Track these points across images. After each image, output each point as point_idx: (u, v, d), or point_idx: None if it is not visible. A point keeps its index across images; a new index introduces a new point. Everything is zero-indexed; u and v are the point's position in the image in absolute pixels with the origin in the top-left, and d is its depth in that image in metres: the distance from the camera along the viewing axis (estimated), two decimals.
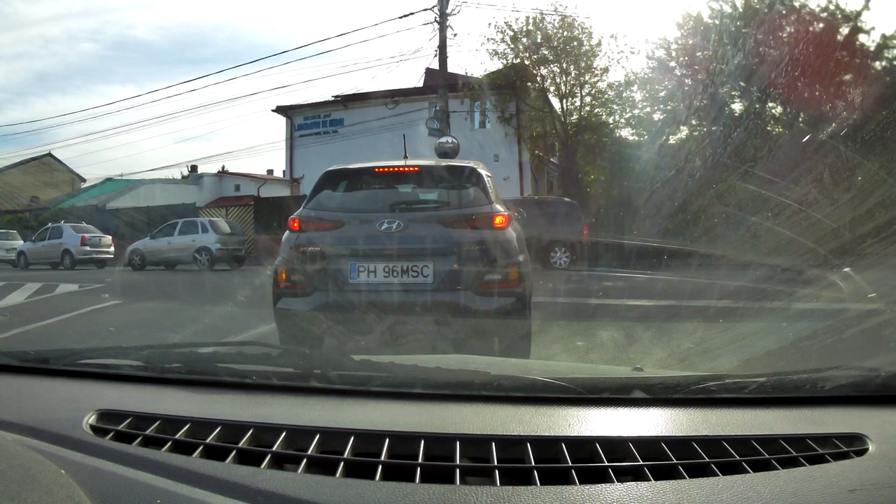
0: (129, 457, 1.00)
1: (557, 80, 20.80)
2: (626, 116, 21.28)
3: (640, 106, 20.88)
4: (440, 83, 18.25)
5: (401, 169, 4.76)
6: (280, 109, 24.47)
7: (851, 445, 1.06)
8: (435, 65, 18.20)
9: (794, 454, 1.03)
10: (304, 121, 24.38)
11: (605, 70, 20.62)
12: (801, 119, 16.69)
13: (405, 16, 20.18)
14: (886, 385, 1.33)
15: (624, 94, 20.72)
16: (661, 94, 19.82)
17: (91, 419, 1.14)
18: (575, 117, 21.00)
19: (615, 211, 18.56)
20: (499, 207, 4.42)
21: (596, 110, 21.29)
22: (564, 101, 20.96)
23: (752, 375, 1.38)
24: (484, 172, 4.66)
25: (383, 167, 4.86)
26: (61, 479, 0.91)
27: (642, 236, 14.09)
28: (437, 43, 17.68)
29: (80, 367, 1.50)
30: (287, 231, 4.49)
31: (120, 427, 1.11)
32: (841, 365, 1.45)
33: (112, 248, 19.60)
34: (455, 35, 18.97)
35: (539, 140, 22.50)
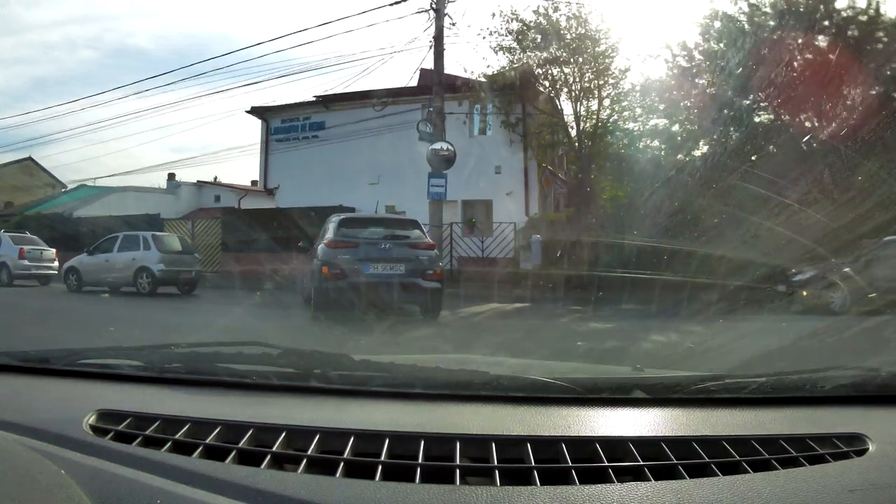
0: (129, 457, 1.00)
1: (570, 81, 17.44)
2: (649, 126, 17.93)
3: (662, 115, 17.60)
4: (435, 79, 15.64)
5: (386, 218, 10.36)
6: (255, 111, 21.74)
7: (851, 445, 1.06)
8: (430, 64, 15.73)
9: (794, 454, 1.03)
10: (280, 124, 21.76)
11: (626, 71, 17.49)
12: (843, 135, 13.95)
13: (397, 2, 17.49)
14: (886, 385, 1.34)
15: (645, 101, 17.56)
16: (686, 102, 16.72)
17: (91, 419, 1.13)
18: (589, 124, 17.70)
19: (632, 227, 14.67)
20: (430, 240, 9.30)
21: (613, 117, 17.98)
22: (578, 104, 17.56)
23: (752, 375, 1.38)
24: (421, 223, 9.59)
25: (374, 217, 10.05)
26: (61, 479, 0.91)
27: (673, 272, 10.94)
28: (432, 33, 15.21)
29: (80, 367, 1.50)
30: (325, 247, 8.46)
31: (120, 427, 1.11)
32: (841, 365, 1.45)
33: (56, 263, 16.79)
34: (454, 24, 15.73)
35: (548, 149, 18.92)
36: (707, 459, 1.00)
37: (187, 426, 1.10)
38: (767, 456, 1.01)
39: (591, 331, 7.84)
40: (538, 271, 14.42)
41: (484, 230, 18.19)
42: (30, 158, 33.65)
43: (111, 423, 1.13)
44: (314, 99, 20.58)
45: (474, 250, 17.42)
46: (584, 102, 17.59)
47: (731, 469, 0.98)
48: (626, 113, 18.00)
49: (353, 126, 18.84)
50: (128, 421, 1.13)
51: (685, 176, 14.85)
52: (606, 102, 17.71)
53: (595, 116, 17.63)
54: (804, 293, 9.90)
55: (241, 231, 18.54)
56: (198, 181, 31.72)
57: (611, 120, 17.88)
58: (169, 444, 1.05)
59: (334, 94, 19.43)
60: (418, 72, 17.43)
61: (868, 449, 1.05)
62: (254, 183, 32.04)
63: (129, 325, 8.19)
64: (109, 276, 14.48)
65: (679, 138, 16.98)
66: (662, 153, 17.36)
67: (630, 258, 12.51)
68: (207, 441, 1.05)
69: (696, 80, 16.55)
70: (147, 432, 1.08)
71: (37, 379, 1.48)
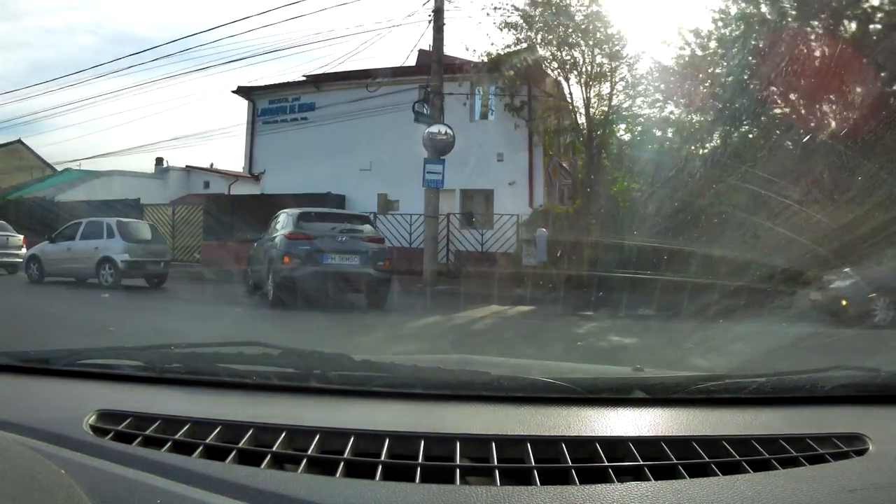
0: (130, 457, 1.00)
1: (579, 63, 15.67)
2: (663, 114, 16.14)
3: (677, 103, 15.94)
4: (434, 56, 14.01)
5: (341, 213, 11.45)
6: (241, 91, 20.01)
7: (851, 445, 1.07)
8: (429, 41, 14.28)
9: (794, 454, 1.03)
10: (268, 105, 20.04)
11: (639, 55, 15.73)
12: (871, 131, 12.73)
13: None
14: (886, 385, 1.34)
15: (659, 88, 15.93)
16: (702, 90, 15.02)
17: (91, 419, 1.13)
18: (599, 109, 15.95)
19: (646, 223, 13.62)
20: (379, 235, 10.49)
21: (626, 103, 16.25)
22: (588, 88, 15.72)
23: (752, 375, 1.38)
24: (371, 218, 12.37)
25: (330, 212, 11.25)
26: (61, 479, 0.91)
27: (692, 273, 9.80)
28: (432, 6, 13.95)
29: (80, 367, 1.50)
30: (285, 238, 9.34)
31: (120, 427, 1.11)
32: (841, 365, 1.45)
33: (23, 251, 15.56)
34: None
35: (555, 136, 17.29)
36: (707, 459, 1.00)
37: (187, 426, 1.10)
38: (767, 456, 1.01)
39: (614, 346, 6.80)
40: (543, 269, 13.27)
41: (484, 223, 16.96)
42: (19, 141, 32.38)
43: (111, 423, 1.13)
44: (304, 79, 19.05)
45: (473, 244, 16.35)
46: (596, 86, 15.84)
47: (731, 469, 0.98)
48: (639, 99, 16.39)
49: (346, 108, 17.29)
50: (128, 421, 1.13)
51: (702, 169, 13.53)
52: (620, 86, 16.05)
53: (607, 101, 15.88)
54: (843, 302, 8.69)
55: (224, 218, 17.36)
56: (187, 166, 30.38)
57: (623, 106, 16.29)
58: (169, 444, 1.05)
59: (325, 74, 18.01)
60: (416, 53, 16.18)
61: (868, 449, 1.05)
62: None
63: (52, 324, 7.52)
64: (71, 267, 13.24)
65: (693, 128, 15.36)
66: (676, 144, 15.55)
67: (644, 256, 11.62)
68: (207, 441, 1.05)
69: (712, 70, 15.10)
70: (147, 432, 1.08)
71: (37, 379, 1.48)
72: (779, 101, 14.41)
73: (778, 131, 14.23)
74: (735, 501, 0.88)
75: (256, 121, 20.13)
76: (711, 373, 1.43)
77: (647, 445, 1.04)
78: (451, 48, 17.85)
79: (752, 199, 11.72)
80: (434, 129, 13.25)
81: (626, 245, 12.44)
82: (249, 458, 1.00)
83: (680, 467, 0.97)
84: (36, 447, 1.02)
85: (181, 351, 1.67)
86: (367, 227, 10.19)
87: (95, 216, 14.28)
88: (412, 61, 16.60)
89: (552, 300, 11.09)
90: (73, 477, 0.91)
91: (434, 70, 14.01)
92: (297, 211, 9.94)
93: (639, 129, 16.34)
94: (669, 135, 16.30)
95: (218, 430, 1.08)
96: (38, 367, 1.51)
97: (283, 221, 9.97)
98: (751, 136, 14.55)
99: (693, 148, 15.09)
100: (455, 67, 15.50)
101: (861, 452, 1.04)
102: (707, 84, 15.07)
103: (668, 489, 0.92)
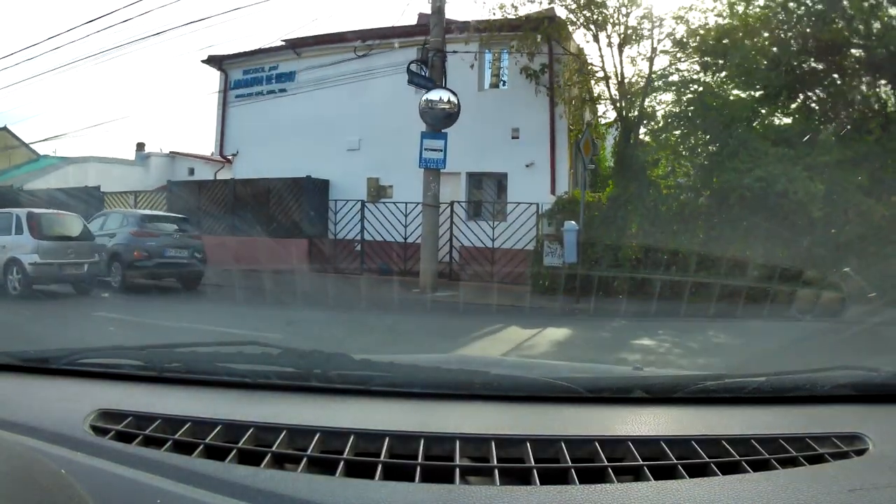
0: (130, 456, 1.00)
1: (608, 22, 12.72)
2: (713, 80, 12.57)
3: (732, 71, 12.32)
4: (434, 6, 11.39)
5: (168, 216, 13.21)
6: (213, 60, 17.30)
7: (851, 445, 1.07)
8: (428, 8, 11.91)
9: (794, 454, 1.03)
10: (242, 75, 17.24)
11: (683, 14, 12.34)
12: None
13: None
14: (886, 385, 1.34)
15: (705, 52, 12.48)
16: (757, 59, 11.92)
17: (91, 419, 1.14)
18: (636, 76, 12.97)
19: (700, 213, 11.29)
20: (197, 233, 13.03)
21: (671, 67, 12.79)
22: (620, 51, 12.78)
23: (751, 375, 1.38)
24: (189, 219, 13.26)
25: (161, 214, 13.48)
26: (61, 479, 0.91)
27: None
28: None
29: (81, 367, 1.50)
30: (132, 236, 11.66)
31: (120, 427, 1.11)
32: (841, 365, 1.45)
33: None
34: None
35: (583, 106, 14.18)
36: (707, 459, 1.00)
37: (187, 426, 1.10)
38: (767, 455, 1.02)
39: None
40: (570, 272, 10.65)
41: (496, 213, 14.06)
42: (5, 128, 32.02)
43: (111, 423, 1.13)
44: (282, 44, 16.31)
45: (482, 239, 13.06)
46: (634, 46, 12.85)
47: (731, 469, 0.98)
48: (685, 64, 13.02)
49: (331, 76, 14.86)
50: (128, 420, 1.13)
51: (766, 149, 10.71)
52: (666, 45, 12.82)
53: (648, 62, 12.78)
54: None
55: (190, 206, 15.32)
56: (171, 152, 28.38)
57: (669, 71, 12.93)
58: (169, 443, 1.05)
59: (307, 37, 15.50)
60: (416, 14, 13.92)
61: (868, 449, 1.05)
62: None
63: None
64: None
65: (748, 103, 12.22)
66: (729, 118, 11.85)
67: (705, 257, 9.63)
68: (207, 441, 1.05)
69: (757, 40, 12.19)
70: (147, 432, 1.08)
71: (37, 378, 1.48)
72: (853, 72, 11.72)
73: (831, 114, 12.05)
74: (735, 501, 0.88)
75: (229, 94, 17.47)
76: (711, 372, 1.43)
77: (647, 445, 1.04)
78: (457, 11, 16.02)
79: (830, 189, 9.87)
80: (433, 94, 10.79)
81: (677, 242, 10.41)
82: (249, 458, 1.00)
83: (680, 467, 0.97)
84: (36, 447, 1.02)
85: (181, 350, 1.67)
86: (190, 227, 12.77)
87: (51, 206, 12.44)
88: (409, 20, 14.62)
89: (590, 317, 8.80)
90: (74, 477, 0.91)
91: (434, 22, 11.29)
92: (137, 213, 13.11)
93: (688, 97, 12.59)
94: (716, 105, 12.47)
95: (218, 429, 1.08)
96: (38, 366, 1.51)
97: (121, 221, 12.39)
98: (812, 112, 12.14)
99: (756, 125, 12.19)
100: (461, 29, 13.09)
101: (861, 452, 1.04)
102: (769, 52, 12.09)
103: (668, 489, 0.91)
